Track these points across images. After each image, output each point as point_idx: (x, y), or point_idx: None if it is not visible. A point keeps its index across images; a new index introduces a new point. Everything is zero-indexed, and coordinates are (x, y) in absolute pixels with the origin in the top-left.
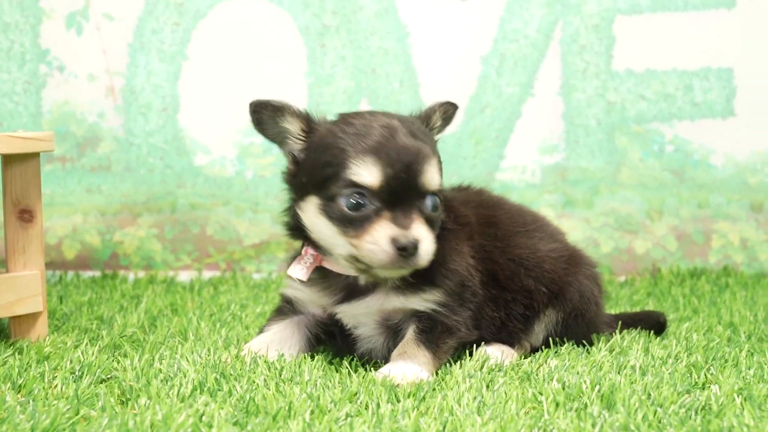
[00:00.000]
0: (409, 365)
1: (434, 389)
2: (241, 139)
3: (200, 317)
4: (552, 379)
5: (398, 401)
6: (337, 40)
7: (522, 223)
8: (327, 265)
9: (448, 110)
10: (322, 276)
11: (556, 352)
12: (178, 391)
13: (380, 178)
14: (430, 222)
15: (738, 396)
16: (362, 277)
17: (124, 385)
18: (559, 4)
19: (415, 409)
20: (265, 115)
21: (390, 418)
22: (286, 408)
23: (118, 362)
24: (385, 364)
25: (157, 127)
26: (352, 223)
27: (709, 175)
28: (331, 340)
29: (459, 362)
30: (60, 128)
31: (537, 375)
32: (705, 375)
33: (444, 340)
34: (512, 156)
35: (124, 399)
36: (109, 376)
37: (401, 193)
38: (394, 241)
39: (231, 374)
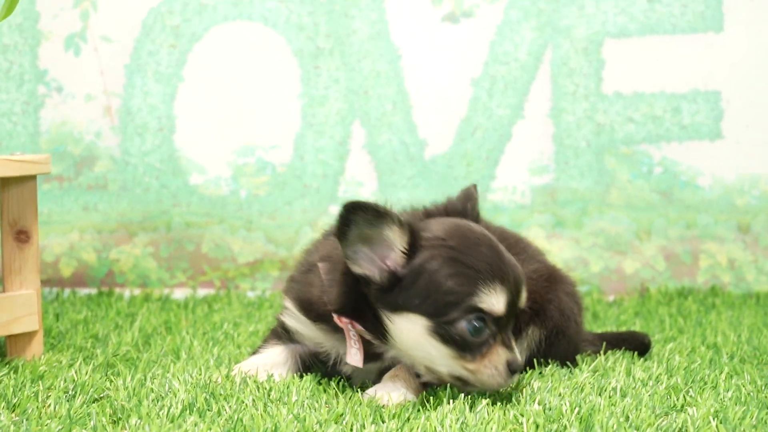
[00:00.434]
0: (397, 387)
1: (419, 410)
2: (235, 159)
3: (193, 335)
4: (534, 401)
5: (383, 422)
6: (331, 62)
7: (506, 246)
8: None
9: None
10: (336, 329)
11: (540, 373)
12: (168, 411)
13: (505, 305)
14: None
15: (714, 419)
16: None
17: (116, 405)
18: (549, 28)
19: (399, 430)
20: (361, 218)
21: None
22: (273, 429)
23: (111, 381)
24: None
25: (153, 147)
26: (470, 348)
27: (696, 196)
28: (322, 367)
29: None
30: (57, 148)
31: (519, 396)
32: (684, 397)
33: None
34: (503, 177)
35: (115, 418)
36: (101, 395)
37: (511, 315)
38: (509, 365)
39: (221, 394)
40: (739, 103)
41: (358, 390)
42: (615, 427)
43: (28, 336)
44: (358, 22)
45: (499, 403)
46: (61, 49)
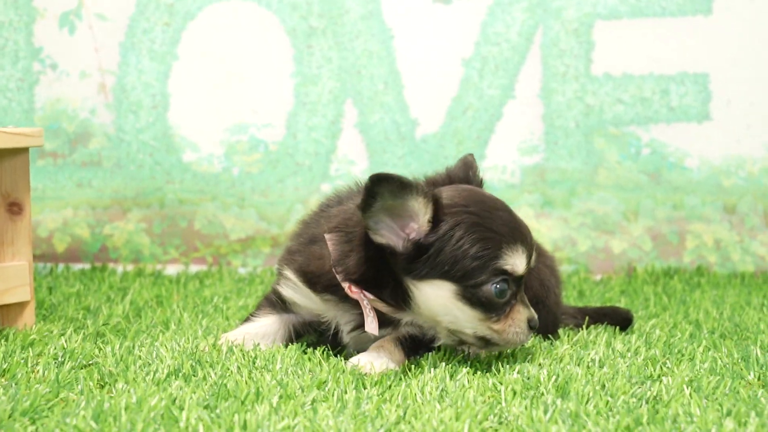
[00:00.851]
0: (380, 356)
1: (400, 378)
2: (228, 136)
3: (183, 308)
4: (513, 371)
5: (364, 388)
6: (324, 41)
7: None
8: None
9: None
10: (342, 299)
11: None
12: (154, 376)
13: (525, 265)
14: None
15: (687, 387)
16: (471, 349)
17: (103, 370)
18: (540, 9)
19: (380, 396)
20: (386, 190)
21: (354, 404)
22: (255, 393)
23: (100, 349)
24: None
25: (147, 124)
26: (495, 309)
27: (684, 178)
28: (314, 336)
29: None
30: (52, 125)
31: (499, 366)
32: (661, 368)
33: (420, 350)
34: (493, 156)
35: (102, 383)
36: (90, 362)
37: (526, 274)
38: (529, 321)
39: (207, 362)
40: (726, 86)
41: (342, 359)
42: (591, 394)
43: (20, 306)
44: (350, 1)
45: (479, 372)
46: (56, 26)
